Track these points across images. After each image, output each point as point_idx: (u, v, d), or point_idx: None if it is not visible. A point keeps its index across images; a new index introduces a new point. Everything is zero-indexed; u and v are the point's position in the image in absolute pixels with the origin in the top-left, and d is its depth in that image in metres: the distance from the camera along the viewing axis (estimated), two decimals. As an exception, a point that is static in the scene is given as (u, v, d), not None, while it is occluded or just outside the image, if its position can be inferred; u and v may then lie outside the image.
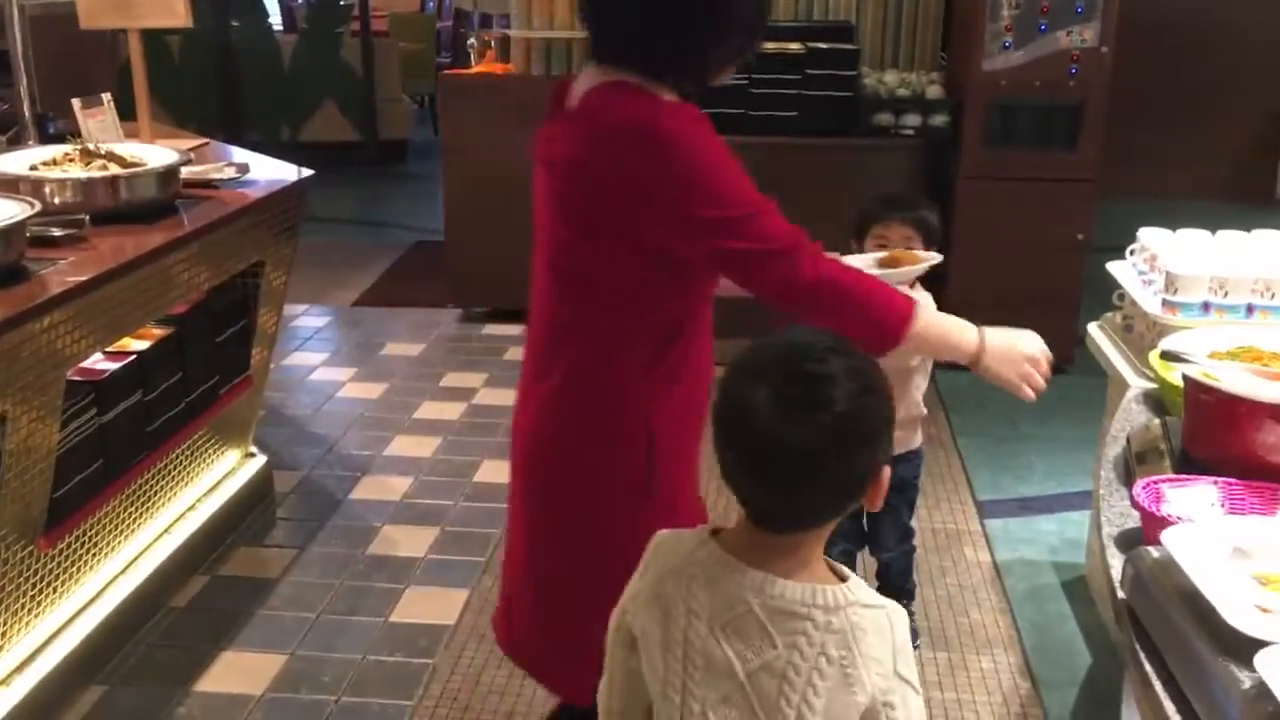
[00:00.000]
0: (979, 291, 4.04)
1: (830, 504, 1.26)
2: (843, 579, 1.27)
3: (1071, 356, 4.02)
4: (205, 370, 3.00)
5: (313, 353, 4.73)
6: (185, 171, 2.89)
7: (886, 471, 1.26)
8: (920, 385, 2.54)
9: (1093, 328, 2.83)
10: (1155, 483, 1.84)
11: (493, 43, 4.84)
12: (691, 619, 1.25)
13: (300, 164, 3.28)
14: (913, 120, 4.47)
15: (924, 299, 2.15)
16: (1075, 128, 4.24)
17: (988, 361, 1.70)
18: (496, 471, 3.67)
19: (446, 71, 5.11)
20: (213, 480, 3.22)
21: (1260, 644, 1.39)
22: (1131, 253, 2.71)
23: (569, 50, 4.70)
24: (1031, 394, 1.74)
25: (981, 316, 1.70)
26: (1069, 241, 4.27)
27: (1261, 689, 1.33)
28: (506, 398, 4.30)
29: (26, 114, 3.24)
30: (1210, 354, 2.05)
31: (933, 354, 1.69)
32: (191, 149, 3.28)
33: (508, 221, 4.87)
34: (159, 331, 2.82)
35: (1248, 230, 2.75)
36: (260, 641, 2.78)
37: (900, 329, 1.63)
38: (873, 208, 2.49)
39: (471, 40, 4.86)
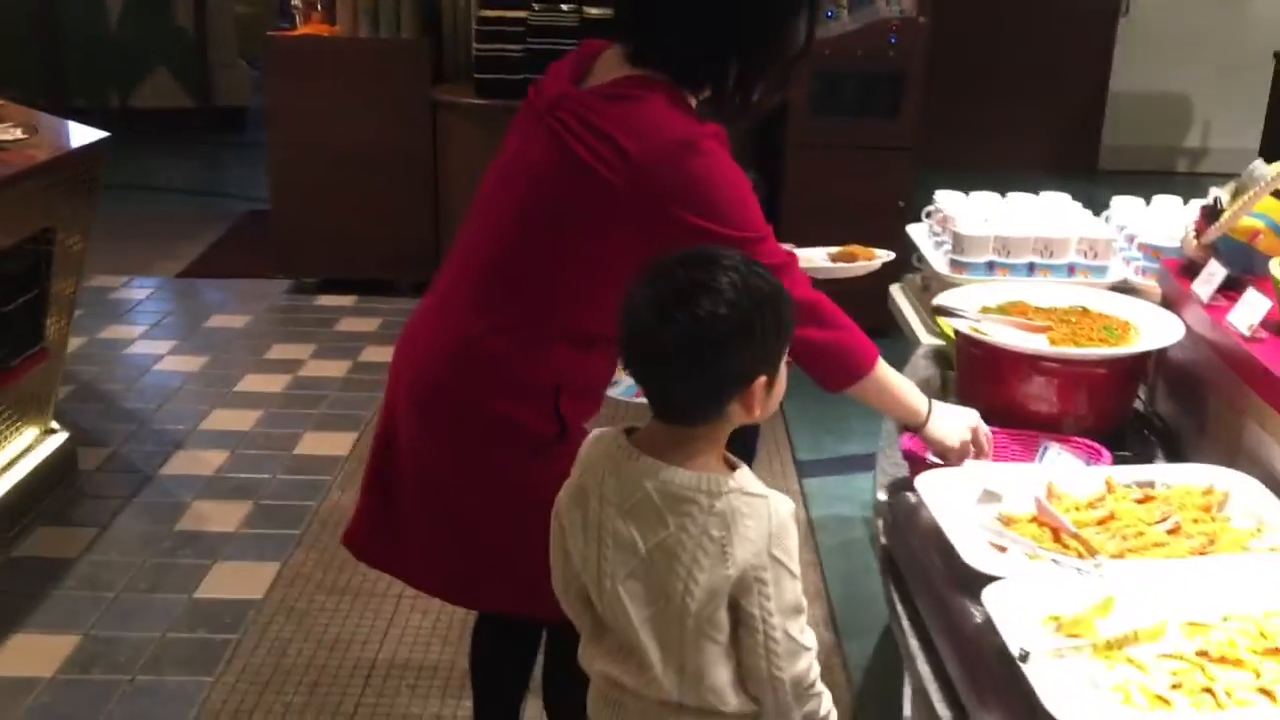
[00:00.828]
0: (804, 257, 4.11)
1: (699, 402, 1.35)
2: (734, 469, 1.38)
3: (890, 319, 4.13)
4: (-11, 342, 2.85)
5: (132, 325, 4.53)
6: (-36, 132, 2.73)
7: (761, 383, 1.34)
8: None
9: (894, 289, 2.92)
10: (922, 433, 1.90)
11: (319, 4, 4.69)
12: (604, 504, 1.38)
13: (131, 131, 3.13)
14: (742, 88, 4.52)
15: None
16: (896, 97, 4.34)
17: (931, 426, 1.80)
18: (318, 444, 3.59)
19: (271, 33, 4.93)
20: (6, 458, 3.06)
21: (992, 579, 1.45)
22: (928, 215, 2.79)
23: (397, 10, 4.58)
24: (967, 460, 1.82)
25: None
26: (891, 208, 4.37)
27: (988, 622, 1.39)
28: (334, 369, 4.27)
29: None
30: (981, 309, 2.13)
31: (883, 406, 1.80)
32: (-24, 109, 3.10)
33: (338, 189, 4.81)
34: (-67, 300, 2.67)
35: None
36: (53, 623, 2.67)
37: (865, 367, 1.74)
38: None
39: (295, 0, 4.70)
